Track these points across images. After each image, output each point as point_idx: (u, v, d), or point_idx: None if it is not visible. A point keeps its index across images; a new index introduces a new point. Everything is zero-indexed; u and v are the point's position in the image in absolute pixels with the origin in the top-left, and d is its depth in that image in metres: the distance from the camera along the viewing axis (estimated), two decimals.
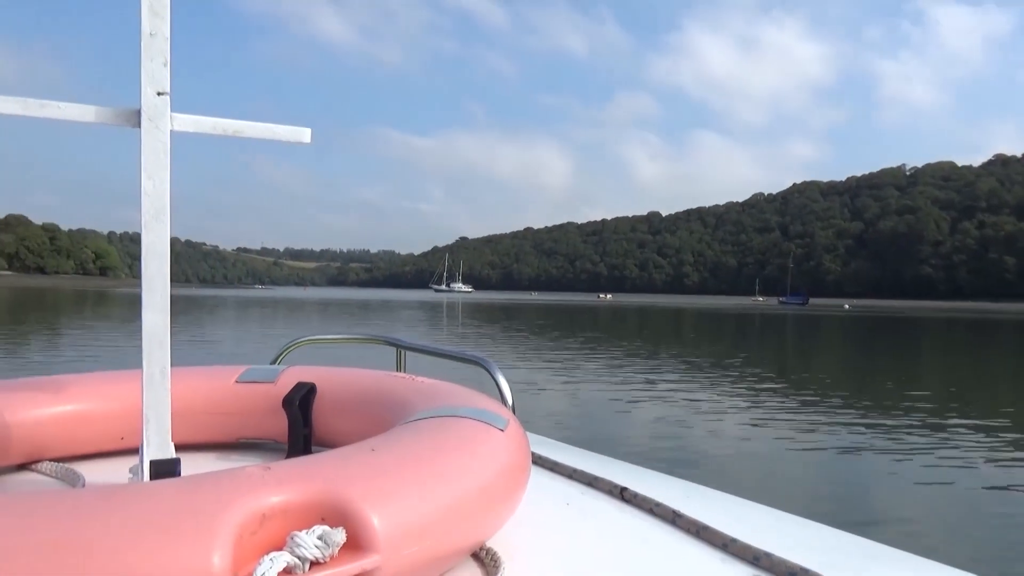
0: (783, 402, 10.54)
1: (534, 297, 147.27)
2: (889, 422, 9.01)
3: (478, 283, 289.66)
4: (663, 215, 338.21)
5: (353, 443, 1.00)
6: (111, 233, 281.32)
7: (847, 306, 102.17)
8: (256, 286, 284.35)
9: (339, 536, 0.76)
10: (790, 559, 0.99)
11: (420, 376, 1.55)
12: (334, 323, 31.65)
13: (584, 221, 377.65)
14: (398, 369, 2.16)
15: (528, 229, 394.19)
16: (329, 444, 1.50)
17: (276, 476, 0.81)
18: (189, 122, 1.18)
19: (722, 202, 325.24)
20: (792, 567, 0.97)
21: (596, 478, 1.41)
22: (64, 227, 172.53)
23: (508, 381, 1.73)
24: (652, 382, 12.45)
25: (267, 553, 0.73)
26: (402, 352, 2.18)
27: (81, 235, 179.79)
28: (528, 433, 1.27)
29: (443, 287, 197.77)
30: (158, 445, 1.13)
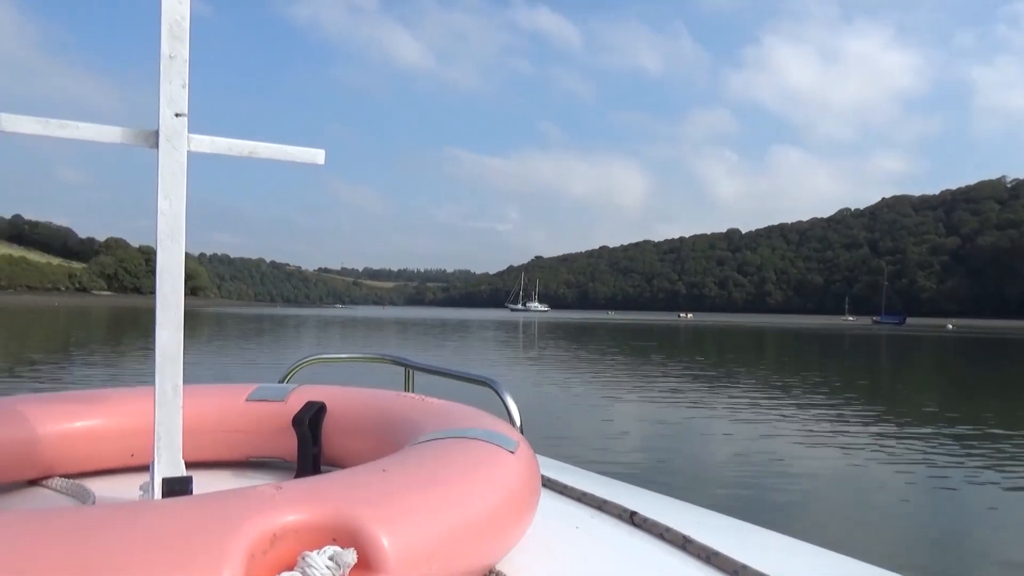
0: (891, 430, 9.27)
1: (611, 316, 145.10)
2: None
3: (554, 302, 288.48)
4: (743, 232, 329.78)
5: (363, 463, 1.01)
6: (201, 254, 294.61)
7: (950, 326, 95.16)
8: (336, 305, 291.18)
9: (350, 557, 0.76)
10: None
11: (429, 396, 1.55)
12: (412, 342, 31.37)
13: (661, 239, 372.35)
14: (406, 388, 2.15)
15: (604, 247, 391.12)
16: (338, 464, 1.50)
17: (287, 496, 0.81)
18: (206, 142, 1.20)
19: (805, 218, 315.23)
20: None
21: (605, 501, 1.41)
22: None
23: (516, 401, 1.70)
24: (737, 407, 11.36)
25: (278, 573, 0.73)
26: (410, 371, 2.17)
27: None
28: (537, 455, 1.27)
29: (519, 306, 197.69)
30: (169, 462, 1.14)
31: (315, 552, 0.75)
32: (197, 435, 1.48)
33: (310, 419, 1.53)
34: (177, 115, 1.14)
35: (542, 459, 1.53)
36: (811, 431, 9.39)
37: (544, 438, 8.05)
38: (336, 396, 1.60)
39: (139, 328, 38.47)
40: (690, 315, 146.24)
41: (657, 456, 7.76)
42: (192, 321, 53.56)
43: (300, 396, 1.60)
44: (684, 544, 1.17)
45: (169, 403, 1.14)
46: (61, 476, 1.43)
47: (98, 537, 0.69)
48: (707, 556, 1.10)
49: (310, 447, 1.52)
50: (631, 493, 1.55)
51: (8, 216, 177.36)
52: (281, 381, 2.02)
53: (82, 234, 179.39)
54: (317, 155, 1.29)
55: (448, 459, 1.03)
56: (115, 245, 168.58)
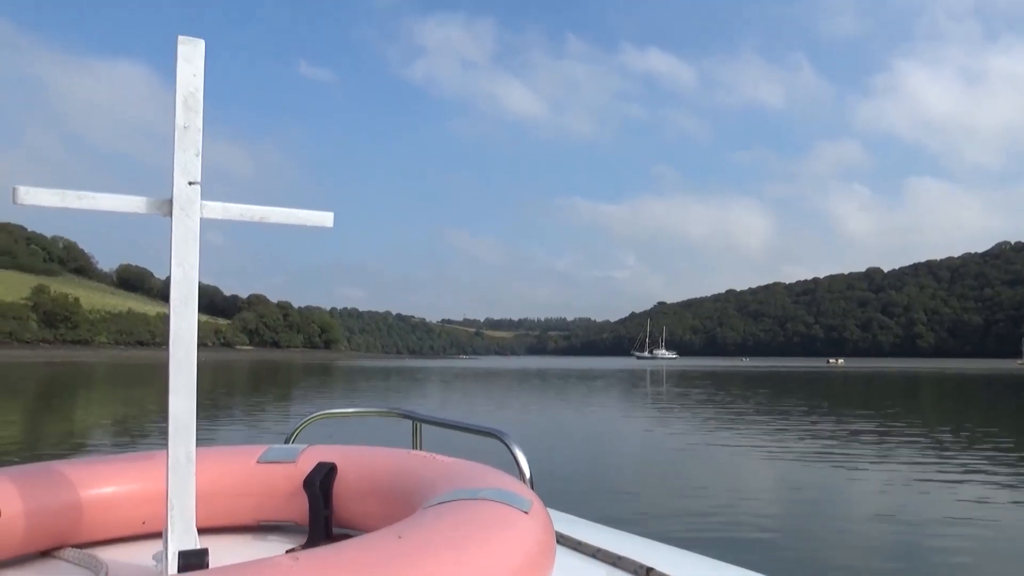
0: None
1: (746, 363, 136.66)
2: None
3: (680, 348, 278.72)
4: (884, 271, 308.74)
5: (376, 527, 1.01)
6: (332, 309, 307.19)
7: None
8: (461, 356, 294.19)
9: None
10: None
11: (439, 455, 1.54)
12: (536, 395, 28.44)
13: (791, 281, 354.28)
14: (415, 441, 2.16)
15: (730, 291, 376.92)
16: (350, 526, 1.50)
17: (305, 567, 0.80)
18: (218, 209, 1.22)
19: (956, 253, 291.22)
20: None
21: (620, 557, 1.39)
22: (295, 304, 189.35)
23: (525, 454, 1.68)
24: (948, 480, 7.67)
25: None
26: (418, 425, 2.16)
27: (308, 311, 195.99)
28: (549, 509, 1.27)
29: (646, 354, 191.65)
30: (182, 532, 1.13)
31: None
32: (209, 500, 1.46)
33: (321, 481, 1.52)
34: (191, 183, 1.17)
35: (555, 513, 1.52)
36: None
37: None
38: (346, 456, 1.59)
39: (277, 383, 37.81)
40: (840, 361, 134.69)
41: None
42: (325, 374, 53.35)
43: (310, 457, 1.59)
44: None
45: (182, 471, 1.13)
46: (72, 547, 1.41)
47: None
48: None
49: (322, 510, 1.51)
50: (647, 547, 1.53)
51: (164, 277, 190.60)
52: (289, 438, 2.03)
53: (227, 292, 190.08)
54: (326, 218, 1.31)
55: (463, 523, 1.02)
56: (256, 301, 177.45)
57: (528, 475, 1.65)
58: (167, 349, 1.17)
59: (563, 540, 1.50)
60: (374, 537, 0.94)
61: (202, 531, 1.20)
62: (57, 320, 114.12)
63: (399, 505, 1.33)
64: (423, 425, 2.15)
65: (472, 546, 0.95)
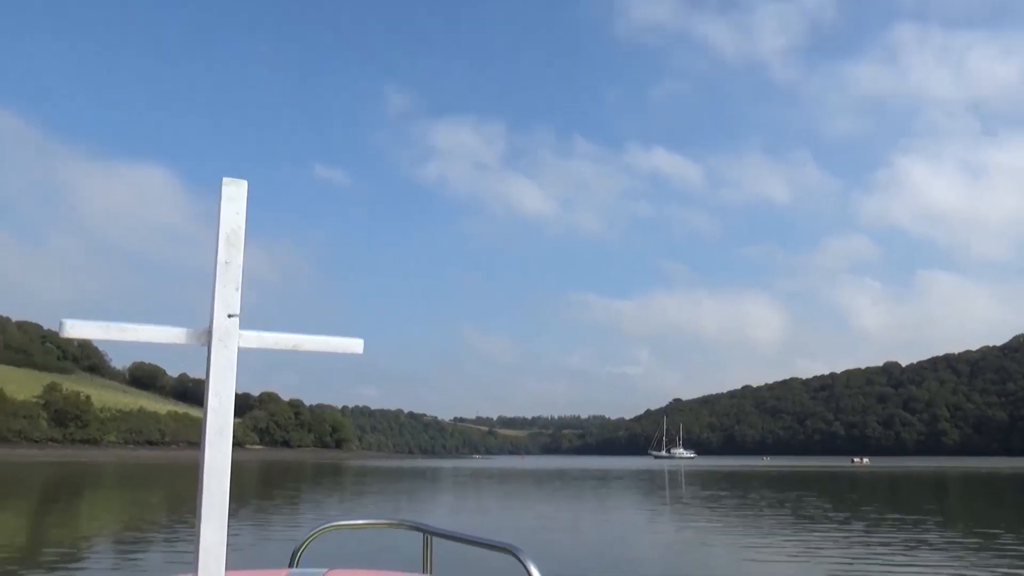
0: None
1: (767, 462, 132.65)
2: None
3: (698, 447, 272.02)
4: (903, 365, 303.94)
5: None
6: (344, 407, 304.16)
7: None
8: (474, 456, 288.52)
9: None
10: None
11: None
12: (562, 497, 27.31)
13: (808, 376, 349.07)
14: (425, 553, 2.12)
15: (746, 387, 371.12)
16: None
17: None
18: (254, 338, 1.24)
19: (973, 346, 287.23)
20: None
21: None
22: (307, 402, 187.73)
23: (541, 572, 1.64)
24: None
25: None
26: (429, 537, 2.11)
27: (320, 410, 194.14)
28: None
29: (663, 452, 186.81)
30: None
31: None
32: None
33: None
34: (230, 316, 1.20)
35: None
36: None
37: None
38: None
39: (285, 486, 36.75)
40: (866, 460, 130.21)
41: None
42: (335, 475, 51.95)
43: None
44: None
45: None
46: None
47: None
48: None
49: None
50: None
51: (176, 375, 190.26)
52: (297, 551, 2.01)
53: (239, 390, 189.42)
54: (356, 345, 1.33)
55: None
56: (268, 399, 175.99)
57: None
58: (200, 479, 1.17)
59: None
60: None
61: None
62: (67, 419, 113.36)
63: None
64: (434, 539, 2.09)
65: None
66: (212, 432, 1.17)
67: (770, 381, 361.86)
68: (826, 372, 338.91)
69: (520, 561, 1.67)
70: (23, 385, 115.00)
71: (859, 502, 26.71)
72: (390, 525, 2.32)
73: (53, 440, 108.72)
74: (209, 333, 1.21)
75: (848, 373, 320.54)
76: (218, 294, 1.22)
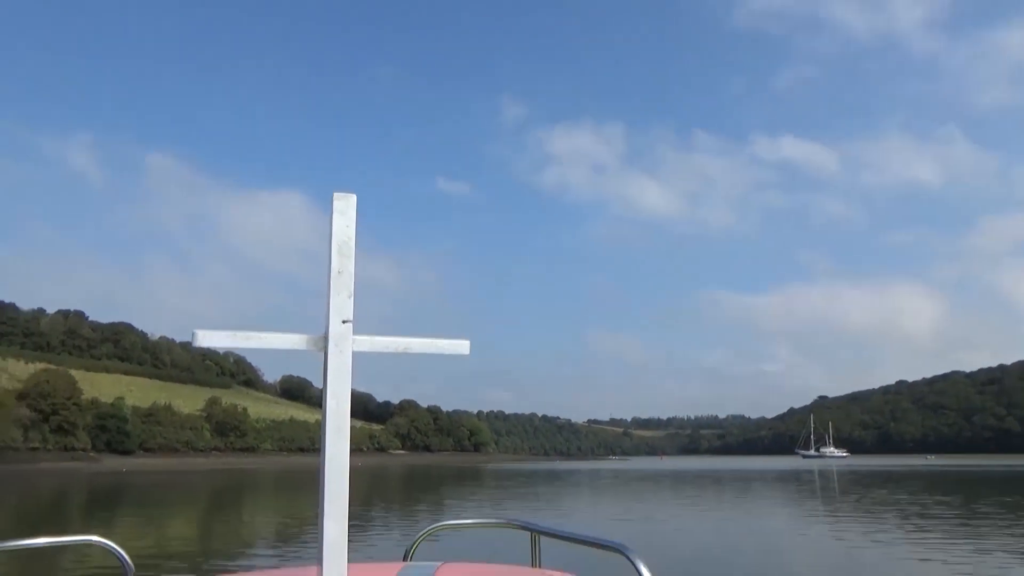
0: None
1: (932, 461, 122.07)
2: None
3: (849, 446, 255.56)
4: None
5: None
6: (479, 412, 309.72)
7: None
8: (610, 457, 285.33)
9: None
10: None
11: (562, 572, 1.56)
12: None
13: (972, 368, 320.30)
14: (533, 552, 2.15)
15: (901, 382, 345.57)
16: None
17: None
18: (366, 342, 1.31)
19: None
20: None
21: None
22: (444, 409, 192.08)
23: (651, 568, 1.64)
24: None
25: None
26: (537, 536, 2.15)
27: (457, 415, 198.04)
28: None
29: (812, 452, 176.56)
30: None
31: None
32: None
33: None
34: (344, 322, 1.27)
35: None
36: None
37: None
38: (477, 575, 1.57)
39: (428, 488, 36.78)
40: None
41: None
42: (477, 477, 52.00)
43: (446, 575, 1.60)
44: None
45: None
46: None
47: None
48: None
49: None
50: None
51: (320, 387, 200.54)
52: (409, 550, 2.08)
53: (379, 399, 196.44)
54: (463, 346, 1.38)
55: None
56: (407, 407, 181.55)
57: None
58: (321, 476, 1.23)
59: None
60: None
61: None
62: (228, 429, 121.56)
63: None
64: (541, 538, 2.12)
65: None
66: (331, 431, 1.22)
67: (928, 375, 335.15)
68: (994, 364, 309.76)
69: (630, 561, 1.68)
70: (188, 400, 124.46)
71: None
72: (498, 525, 2.36)
73: (216, 449, 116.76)
74: (325, 338, 1.27)
75: (1021, 364, 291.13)
76: (332, 302, 1.28)
